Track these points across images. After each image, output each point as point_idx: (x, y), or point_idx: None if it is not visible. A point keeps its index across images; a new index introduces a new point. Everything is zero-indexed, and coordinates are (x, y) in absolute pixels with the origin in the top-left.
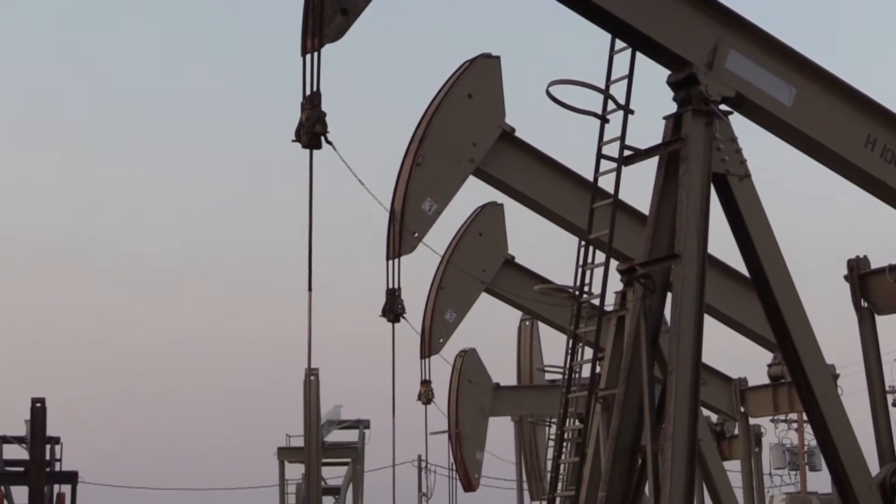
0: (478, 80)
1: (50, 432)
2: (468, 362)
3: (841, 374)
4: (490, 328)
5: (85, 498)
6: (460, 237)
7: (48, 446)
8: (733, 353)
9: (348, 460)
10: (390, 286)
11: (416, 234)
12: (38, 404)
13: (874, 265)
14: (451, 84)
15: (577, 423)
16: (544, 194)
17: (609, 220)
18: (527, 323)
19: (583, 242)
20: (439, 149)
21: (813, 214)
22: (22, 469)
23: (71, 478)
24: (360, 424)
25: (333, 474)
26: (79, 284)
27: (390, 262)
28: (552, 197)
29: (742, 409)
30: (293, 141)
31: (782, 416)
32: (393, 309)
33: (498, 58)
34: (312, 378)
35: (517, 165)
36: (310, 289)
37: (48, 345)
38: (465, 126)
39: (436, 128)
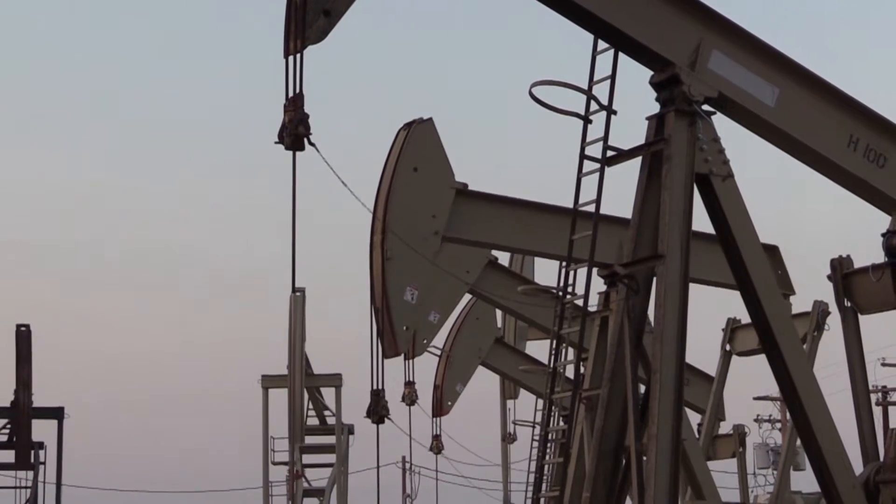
0: (418, 149)
1: (35, 437)
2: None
3: (825, 375)
4: None
5: (71, 500)
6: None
7: (31, 451)
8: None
9: (332, 387)
10: (374, 387)
11: (407, 329)
12: (24, 328)
13: (857, 265)
14: (394, 163)
15: (561, 423)
16: (515, 236)
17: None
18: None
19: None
20: (403, 235)
21: (795, 213)
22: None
23: (56, 413)
24: (345, 429)
25: (318, 476)
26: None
27: (374, 360)
28: (524, 236)
29: (728, 347)
30: (276, 143)
31: (766, 416)
32: (377, 411)
33: (430, 120)
34: (297, 294)
35: (481, 218)
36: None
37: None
38: (420, 201)
39: (393, 215)
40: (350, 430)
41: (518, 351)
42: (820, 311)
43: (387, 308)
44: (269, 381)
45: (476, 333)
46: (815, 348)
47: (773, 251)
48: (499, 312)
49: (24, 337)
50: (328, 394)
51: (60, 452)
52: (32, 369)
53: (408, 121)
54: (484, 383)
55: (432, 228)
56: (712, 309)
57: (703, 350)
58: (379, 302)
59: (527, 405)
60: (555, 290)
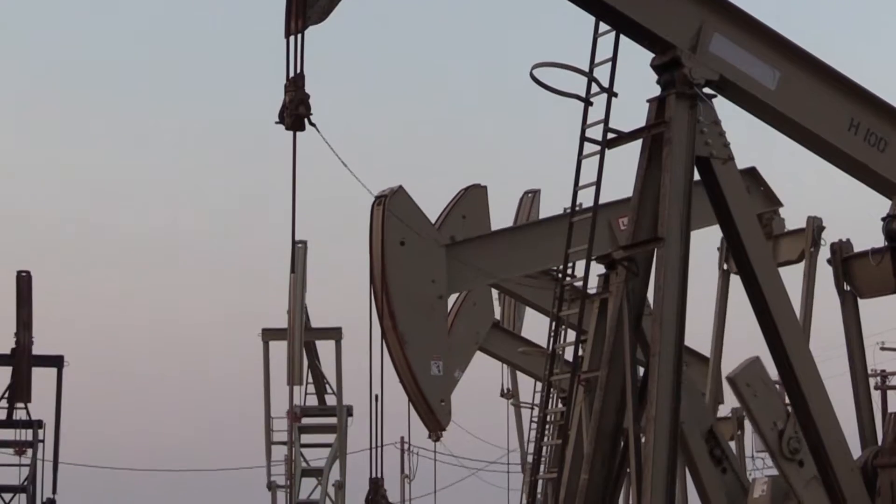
0: (398, 222)
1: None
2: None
3: (823, 359)
4: None
5: (67, 480)
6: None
7: (31, 430)
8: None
9: (332, 340)
10: (373, 475)
11: (443, 402)
12: (24, 274)
13: (857, 249)
14: (380, 244)
15: (559, 405)
16: (516, 263)
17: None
18: (529, 195)
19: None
20: (411, 314)
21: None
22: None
23: (56, 361)
24: (344, 410)
25: (316, 455)
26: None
27: (373, 450)
28: (523, 259)
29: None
30: (277, 123)
31: None
32: (376, 500)
33: (400, 188)
34: (299, 246)
35: (478, 262)
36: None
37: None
38: (416, 272)
39: (396, 296)
40: (349, 411)
41: (516, 335)
42: (815, 226)
43: (419, 390)
44: (269, 335)
45: (474, 318)
46: (815, 264)
47: (752, 173)
48: (495, 296)
49: (24, 281)
50: (327, 351)
51: (59, 403)
52: (33, 314)
53: (377, 194)
54: (483, 369)
55: (435, 293)
56: (712, 292)
57: (702, 333)
58: (411, 387)
59: (525, 388)
60: (554, 273)
